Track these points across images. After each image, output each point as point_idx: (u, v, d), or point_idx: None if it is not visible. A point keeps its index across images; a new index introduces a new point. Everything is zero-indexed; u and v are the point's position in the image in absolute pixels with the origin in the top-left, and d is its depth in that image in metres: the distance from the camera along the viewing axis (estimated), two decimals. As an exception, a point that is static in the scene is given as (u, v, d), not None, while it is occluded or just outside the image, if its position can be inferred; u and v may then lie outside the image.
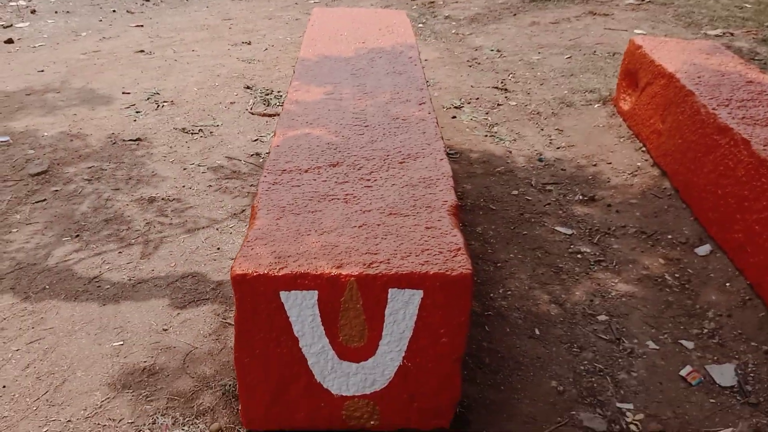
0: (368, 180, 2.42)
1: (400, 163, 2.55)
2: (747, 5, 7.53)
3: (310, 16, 4.65)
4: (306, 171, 2.47)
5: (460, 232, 2.12)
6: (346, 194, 2.31)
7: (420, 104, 3.10)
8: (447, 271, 1.90)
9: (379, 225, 2.13)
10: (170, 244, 3.10)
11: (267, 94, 4.85)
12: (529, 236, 3.28)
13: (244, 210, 3.39)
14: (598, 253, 3.16)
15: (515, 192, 3.69)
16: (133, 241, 3.11)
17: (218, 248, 3.09)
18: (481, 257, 3.10)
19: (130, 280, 2.85)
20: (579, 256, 3.15)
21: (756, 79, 3.72)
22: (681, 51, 4.20)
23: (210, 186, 3.61)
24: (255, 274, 1.89)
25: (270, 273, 1.89)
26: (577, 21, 6.80)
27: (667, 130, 3.78)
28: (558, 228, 3.36)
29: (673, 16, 6.97)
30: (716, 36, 6.35)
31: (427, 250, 2.00)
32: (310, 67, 3.57)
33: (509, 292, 2.86)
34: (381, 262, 1.93)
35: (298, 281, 1.90)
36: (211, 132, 4.25)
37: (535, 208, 3.54)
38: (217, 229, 3.23)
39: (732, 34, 6.40)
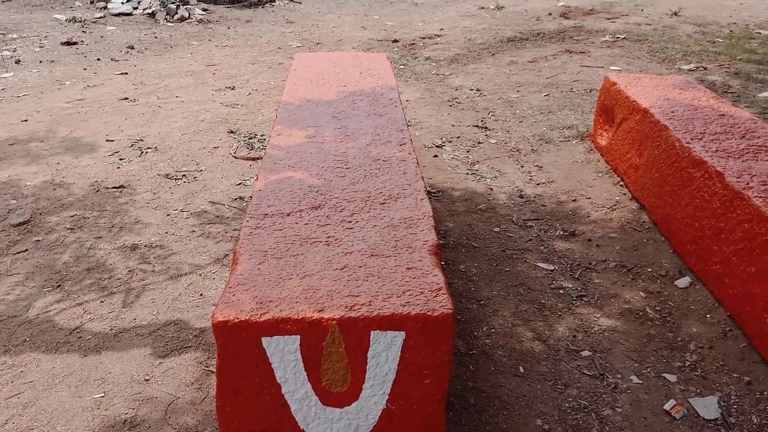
0: (350, 222, 2.44)
1: (382, 204, 2.58)
2: (719, 40, 7.75)
3: (293, 60, 4.73)
4: (288, 214, 2.49)
5: (441, 271, 2.15)
6: (328, 237, 2.33)
7: (400, 145, 3.15)
8: (428, 311, 1.92)
9: (360, 267, 2.14)
10: (153, 292, 3.09)
11: (250, 138, 4.90)
12: (512, 273, 3.31)
13: (227, 255, 3.40)
14: (580, 288, 3.19)
15: (497, 229, 3.73)
16: (115, 289, 3.10)
17: (201, 294, 3.08)
18: (465, 295, 3.11)
19: (111, 329, 2.83)
20: (561, 291, 3.17)
21: (728, 112, 3.82)
22: (655, 86, 4.31)
23: (193, 231, 3.62)
24: (236, 320, 1.90)
25: (251, 319, 1.90)
26: (554, 59, 6.96)
27: (643, 164, 3.86)
28: (540, 264, 3.39)
29: (648, 52, 7.16)
30: (690, 70, 6.52)
31: (408, 290, 2.02)
32: (293, 111, 3.63)
33: (493, 330, 2.87)
34: (363, 304, 1.95)
35: (279, 326, 1.91)
36: (194, 177, 4.28)
37: (517, 244, 3.57)
38: (200, 275, 3.23)
39: (705, 69, 6.58)
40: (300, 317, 1.90)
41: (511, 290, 3.17)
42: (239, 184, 4.21)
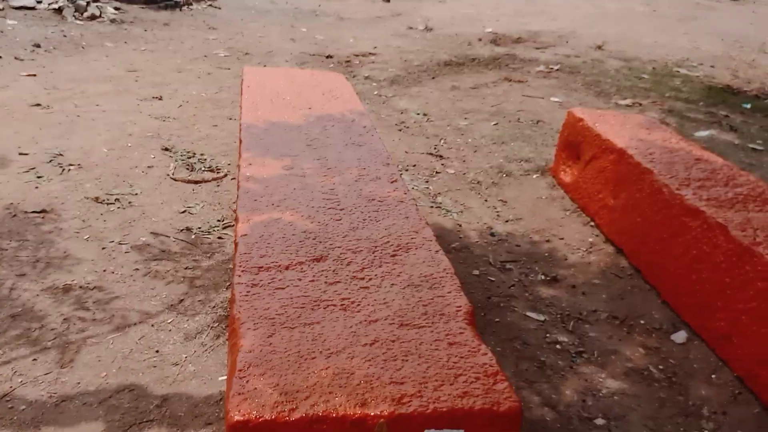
0: (362, 279, 2.08)
1: (392, 256, 2.23)
2: (645, 76, 7.99)
3: (243, 75, 4.28)
4: (287, 268, 2.09)
5: (488, 347, 1.83)
6: (343, 299, 1.96)
7: (392, 182, 2.82)
8: (493, 404, 1.60)
9: (393, 341, 1.79)
10: (96, 347, 2.56)
11: (189, 157, 4.37)
12: (503, 324, 3.05)
13: (182, 300, 2.91)
14: (576, 343, 2.97)
15: (476, 272, 3.46)
16: (49, 343, 2.54)
17: (157, 351, 2.59)
18: (461, 352, 2.80)
19: (50, 396, 2.29)
20: (558, 346, 2.94)
21: (702, 156, 3.78)
22: (622, 125, 4.23)
23: (137, 270, 3.10)
24: (260, 419, 1.49)
25: (280, 418, 1.49)
26: (495, 87, 6.87)
27: (620, 206, 3.73)
28: (529, 313, 3.15)
29: (583, 85, 7.24)
30: (627, 106, 6.62)
31: (461, 375, 1.68)
32: (260, 136, 3.20)
33: (500, 395, 2.58)
34: (412, 395, 1.59)
35: (314, 426, 1.51)
36: (129, 202, 3.72)
37: (501, 290, 3.32)
38: (152, 326, 2.73)
39: (641, 105, 6.71)
40: (340, 414, 1.52)
41: (507, 345, 2.90)
42: (183, 212, 3.69)
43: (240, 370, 1.62)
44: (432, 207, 4.16)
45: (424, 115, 5.91)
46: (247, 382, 1.58)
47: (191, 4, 10.30)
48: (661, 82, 7.77)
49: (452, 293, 2.06)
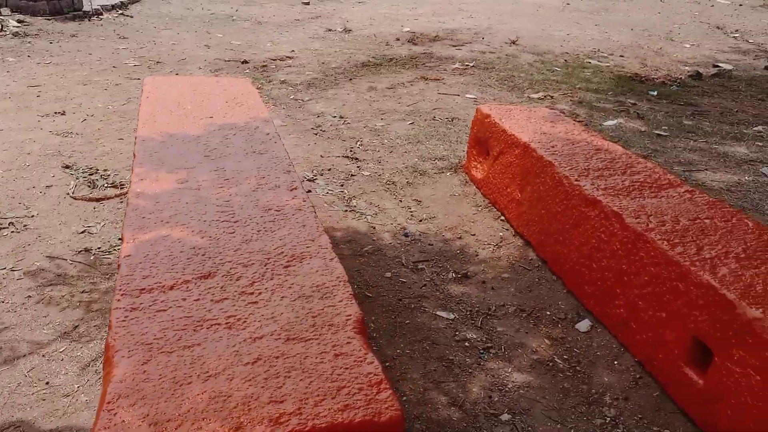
0: (251, 294, 2.03)
1: (285, 267, 2.19)
2: (557, 69, 8.20)
3: (143, 86, 4.14)
4: (171, 288, 2.02)
5: (374, 355, 1.81)
6: (228, 317, 1.91)
7: (291, 190, 2.78)
8: (374, 416, 1.58)
9: (277, 357, 1.75)
10: (-19, 384, 2.42)
11: (91, 174, 4.21)
12: (413, 325, 3.05)
13: (77, 326, 2.78)
14: (485, 339, 3.00)
15: (388, 274, 3.46)
16: (-74, 385, 2.39)
17: (47, 383, 2.46)
18: (369, 357, 2.79)
19: (-76, 444, 2.15)
20: (467, 344, 2.97)
21: (602, 146, 3.89)
22: (527, 119, 4.31)
23: (29, 297, 2.95)
24: (126, 454, 1.42)
25: (147, 451, 1.43)
26: (411, 86, 6.91)
27: (527, 200, 3.80)
28: (439, 312, 3.17)
29: (497, 80, 7.36)
30: (539, 99, 6.77)
31: (344, 387, 1.66)
32: (154, 149, 3.10)
33: (405, 398, 2.58)
34: (291, 414, 1.56)
35: (186, 455, 1.46)
36: (24, 225, 3.54)
37: (412, 291, 3.33)
38: (43, 356, 2.60)
39: (552, 97, 6.88)
40: (213, 440, 1.47)
41: (416, 346, 2.91)
42: (83, 233, 3.55)
43: (108, 402, 1.55)
44: (346, 211, 4.14)
45: (341, 117, 5.89)
46: (115, 414, 1.51)
47: (101, 15, 9.95)
48: (573, 74, 7.99)
49: (343, 302, 2.03)
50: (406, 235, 3.91)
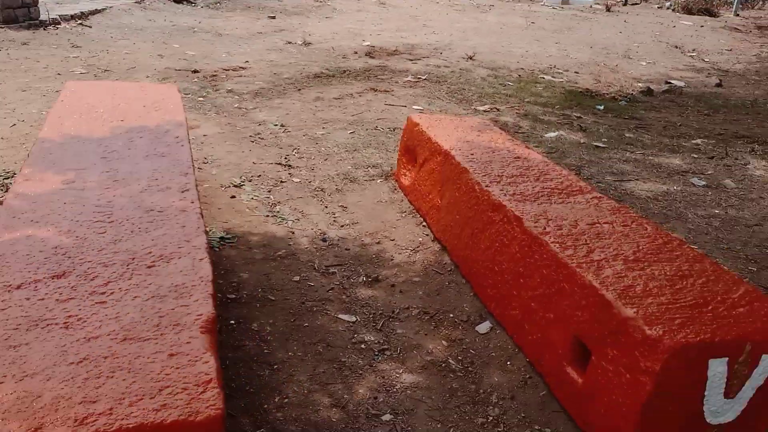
0: (102, 294, 1.99)
1: (149, 267, 2.15)
2: (509, 83, 8.27)
3: (62, 89, 4.10)
4: (18, 287, 1.98)
5: (214, 354, 1.78)
6: (69, 316, 1.86)
7: (182, 191, 2.75)
8: (190, 415, 1.54)
9: (106, 357, 1.71)
10: None
11: (6, 179, 4.14)
12: (311, 328, 3.02)
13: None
14: (382, 341, 2.98)
15: (297, 278, 3.43)
16: None
17: None
18: (256, 360, 2.75)
19: None
20: (363, 346, 2.94)
21: (522, 154, 3.90)
22: (455, 128, 4.32)
23: None
24: None
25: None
26: (359, 97, 6.92)
27: (445, 205, 3.80)
28: (341, 315, 3.14)
29: (447, 93, 7.40)
30: (485, 111, 6.82)
31: (168, 387, 1.62)
32: (50, 150, 3.05)
33: (286, 400, 2.54)
34: (101, 413, 1.51)
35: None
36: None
37: (318, 294, 3.30)
38: None
39: (498, 110, 6.92)
40: (8, 438, 1.42)
41: (310, 349, 2.87)
42: (-12, 236, 3.47)
43: None
44: (267, 216, 4.11)
45: (282, 126, 5.87)
46: None
47: (59, 24, 9.88)
48: (524, 89, 8.06)
49: (199, 301, 1.99)
50: (324, 240, 3.88)
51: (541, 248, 2.77)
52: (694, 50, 11.99)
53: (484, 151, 3.89)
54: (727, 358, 2.10)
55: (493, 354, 2.92)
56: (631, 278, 2.43)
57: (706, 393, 2.14)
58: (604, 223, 2.96)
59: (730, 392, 2.18)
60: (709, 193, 4.96)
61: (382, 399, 2.61)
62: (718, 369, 2.10)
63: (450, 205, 3.72)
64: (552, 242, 2.72)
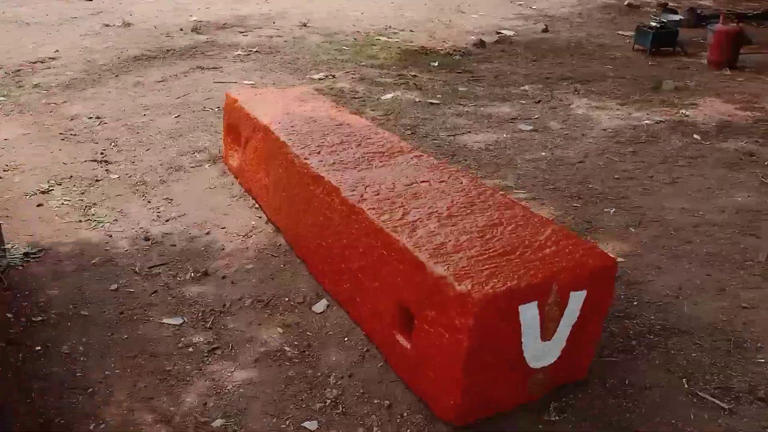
0: None
1: None
2: (345, 48, 8.14)
3: None
4: None
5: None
6: None
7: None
8: None
9: None
10: None
11: None
12: (131, 339, 2.76)
13: None
14: (212, 340, 2.79)
15: (114, 286, 3.13)
16: None
17: None
18: (67, 386, 2.47)
19: None
20: (191, 349, 2.73)
21: (345, 120, 3.79)
22: (276, 101, 4.12)
23: None
24: None
25: None
26: (185, 77, 6.50)
27: (272, 184, 3.62)
28: (166, 320, 2.91)
29: (280, 64, 7.15)
30: (320, 79, 6.65)
31: None
32: None
33: (102, 426, 2.30)
34: None
35: None
36: None
37: (139, 300, 3.03)
38: None
39: (334, 77, 6.78)
40: None
41: (129, 363, 2.62)
42: None
43: None
44: (80, 221, 3.73)
45: (97, 118, 5.38)
46: None
47: None
48: (360, 52, 7.97)
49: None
50: (146, 239, 3.58)
51: (359, 216, 2.68)
52: (521, -1, 12.46)
53: (306, 121, 3.73)
54: (536, 302, 2.12)
55: (331, 333, 2.82)
56: (444, 235, 2.40)
57: (522, 339, 2.15)
58: (422, 181, 2.92)
59: (546, 335, 2.21)
60: (536, 136, 5.14)
61: (212, 404, 2.44)
62: (529, 313, 2.12)
63: (276, 183, 3.55)
64: (368, 209, 2.64)
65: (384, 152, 3.30)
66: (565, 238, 2.38)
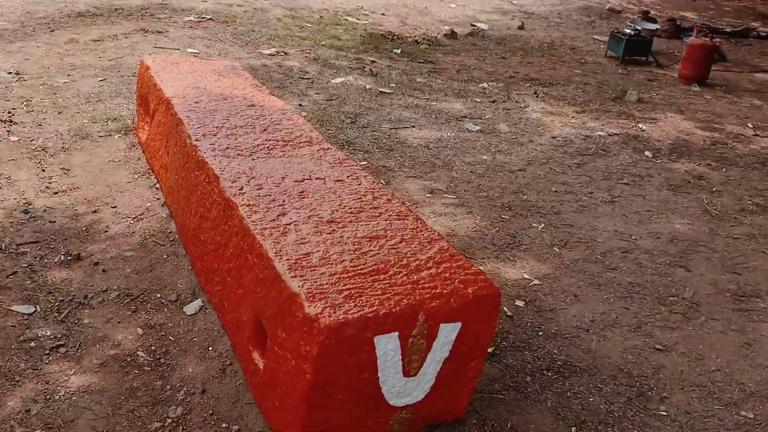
0: None
1: None
2: (308, 25, 7.78)
3: None
4: None
5: None
6: None
7: None
8: None
9: None
10: None
11: None
12: (-35, 328, 2.43)
13: None
14: (60, 336, 2.46)
15: (-30, 263, 2.79)
16: None
17: None
18: None
19: None
20: (33, 344, 2.41)
21: (260, 102, 3.47)
22: (191, 73, 3.78)
23: None
24: None
25: None
26: (125, 39, 6.10)
27: (170, 164, 3.29)
28: (15, 307, 2.58)
29: (232, 35, 6.77)
30: (270, 55, 6.30)
31: None
32: None
33: None
34: None
35: None
36: None
37: (-8, 282, 2.70)
38: None
39: (286, 54, 6.43)
40: None
41: (-47, 355, 2.30)
42: None
43: None
44: (-43, 185, 3.37)
45: (17, 74, 4.98)
46: None
47: None
48: (323, 31, 7.61)
49: None
50: (26, 212, 3.24)
51: (232, 212, 2.36)
52: (503, -7, 12.14)
53: (214, 98, 3.40)
54: (397, 333, 1.83)
55: (195, 339, 2.52)
56: (314, 244, 2.10)
57: (379, 374, 1.87)
58: (317, 178, 2.61)
59: (410, 370, 1.93)
60: (481, 138, 4.85)
61: (36, 411, 2.12)
62: (387, 346, 1.83)
63: (171, 163, 3.23)
64: (242, 204, 2.33)
65: (289, 141, 2.99)
66: (449, 259, 2.10)
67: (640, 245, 3.47)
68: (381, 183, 2.64)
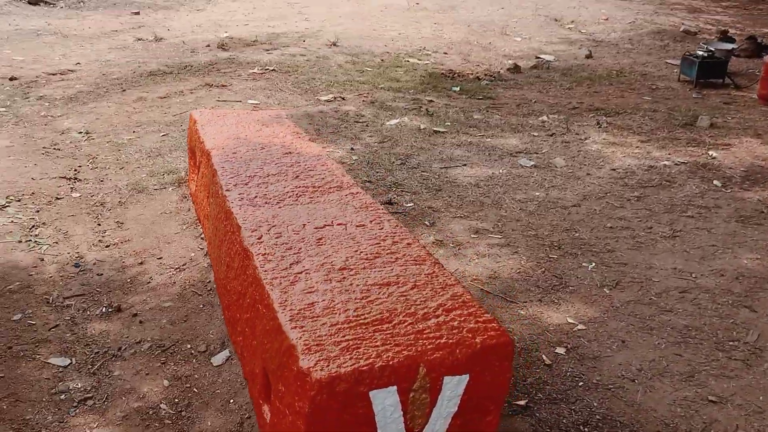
0: None
1: None
2: (368, 69, 7.89)
3: None
4: None
5: None
6: None
7: None
8: None
9: None
10: None
11: None
12: (5, 380, 2.52)
13: None
14: (90, 388, 2.51)
15: (18, 316, 2.92)
16: None
17: None
18: None
19: None
20: (63, 396, 2.46)
21: (297, 149, 3.50)
22: (235, 124, 3.88)
23: None
24: None
25: None
26: (190, 94, 6.39)
27: (210, 213, 3.36)
28: (52, 360, 2.66)
29: (293, 84, 6.95)
30: (327, 101, 6.40)
31: None
32: None
33: None
34: None
35: None
36: None
37: (35, 335, 2.80)
38: None
39: (343, 99, 6.52)
40: None
41: (-12, 409, 2.38)
42: None
43: None
44: (20, 242, 3.57)
45: (87, 133, 5.29)
46: None
47: None
48: (383, 74, 7.69)
49: None
50: (76, 266, 3.38)
51: (249, 262, 2.36)
52: (572, 22, 11.92)
53: (252, 148, 3.45)
54: (395, 387, 1.73)
55: (218, 391, 2.50)
56: (320, 293, 2.04)
57: (379, 431, 1.76)
58: (338, 224, 2.57)
59: (414, 426, 1.81)
60: (535, 174, 4.69)
61: (50, 466, 2.15)
62: (386, 401, 1.73)
63: (211, 213, 3.28)
64: (257, 254, 2.32)
65: (318, 187, 2.98)
66: (461, 306, 1.98)
67: (700, 284, 3.19)
68: (402, 227, 2.56)
